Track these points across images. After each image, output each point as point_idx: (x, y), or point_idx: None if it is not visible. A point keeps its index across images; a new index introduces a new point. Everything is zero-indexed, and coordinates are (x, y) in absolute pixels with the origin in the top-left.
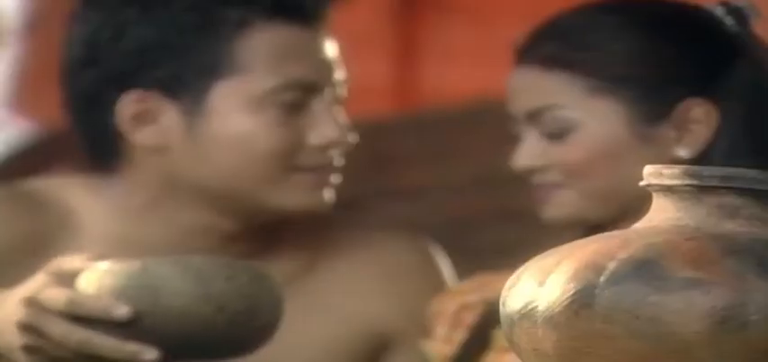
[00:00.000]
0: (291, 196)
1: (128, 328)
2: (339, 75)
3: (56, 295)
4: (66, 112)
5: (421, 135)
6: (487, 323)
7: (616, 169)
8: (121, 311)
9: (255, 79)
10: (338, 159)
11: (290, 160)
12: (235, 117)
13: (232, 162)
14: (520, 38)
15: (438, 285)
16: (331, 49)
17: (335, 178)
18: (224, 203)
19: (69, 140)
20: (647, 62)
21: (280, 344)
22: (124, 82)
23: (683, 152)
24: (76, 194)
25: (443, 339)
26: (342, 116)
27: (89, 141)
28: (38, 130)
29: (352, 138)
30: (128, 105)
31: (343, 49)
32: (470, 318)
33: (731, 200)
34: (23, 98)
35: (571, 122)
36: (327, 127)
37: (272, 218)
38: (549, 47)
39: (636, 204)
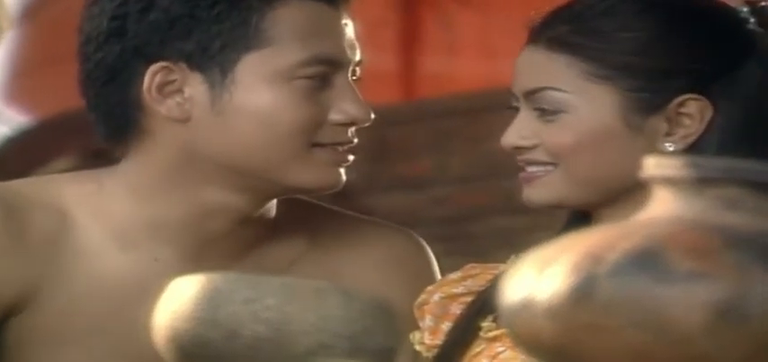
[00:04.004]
0: (310, 173)
1: None
2: (358, 55)
3: None
4: (83, 86)
5: (424, 124)
6: (475, 314)
7: (602, 156)
8: None
9: (282, 53)
10: (354, 137)
11: (312, 136)
12: (260, 90)
13: (254, 135)
14: (533, 19)
15: (430, 280)
16: (351, 29)
17: (351, 156)
18: (242, 180)
19: (64, 130)
20: (649, 53)
21: None
22: (150, 54)
23: (669, 146)
24: (67, 193)
25: (430, 330)
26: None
27: (107, 115)
28: (33, 119)
29: (371, 116)
30: (153, 76)
31: None
32: (457, 309)
33: (732, 192)
34: (18, 88)
35: (564, 104)
36: (350, 104)
37: (287, 195)
38: (558, 29)
39: (621, 193)
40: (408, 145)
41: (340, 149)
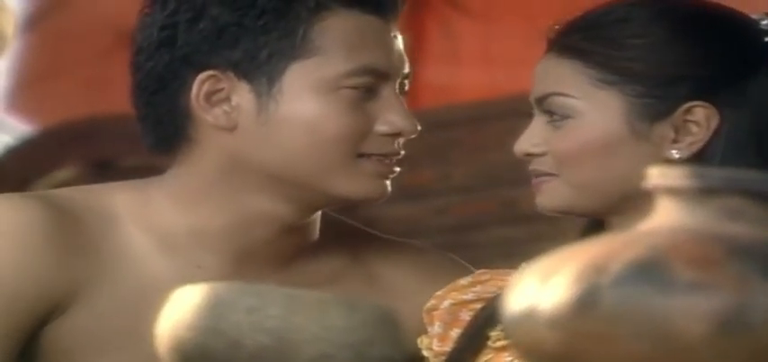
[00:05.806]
0: (355, 183)
1: None
2: (406, 68)
3: None
4: (134, 96)
5: (426, 134)
6: (485, 322)
7: (608, 162)
8: None
9: (329, 63)
10: (401, 149)
11: (357, 146)
12: (306, 99)
13: (299, 144)
14: (552, 29)
15: None
16: (400, 42)
17: (397, 168)
18: (287, 189)
19: (66, 139)
20: (655, 59)
21: None
22: (199, 62)
23: (676, 153)
24: (116, 201)
25: (439, 337)
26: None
27: (156, 124)
28: (35, 128)
29: (417, 128)
30: (201, 84)
31: None
32: (467, 315)
33: (735, 202)
34: (21, 97)
35: (571, 110)
36: (396, 116)
37: (331, 205)
38: (572, 36)
39: (629, 200)
40: (410, 155)
41: (386, 160)
